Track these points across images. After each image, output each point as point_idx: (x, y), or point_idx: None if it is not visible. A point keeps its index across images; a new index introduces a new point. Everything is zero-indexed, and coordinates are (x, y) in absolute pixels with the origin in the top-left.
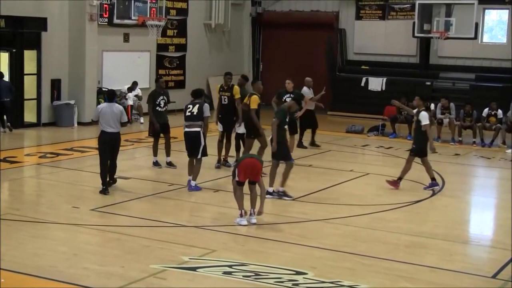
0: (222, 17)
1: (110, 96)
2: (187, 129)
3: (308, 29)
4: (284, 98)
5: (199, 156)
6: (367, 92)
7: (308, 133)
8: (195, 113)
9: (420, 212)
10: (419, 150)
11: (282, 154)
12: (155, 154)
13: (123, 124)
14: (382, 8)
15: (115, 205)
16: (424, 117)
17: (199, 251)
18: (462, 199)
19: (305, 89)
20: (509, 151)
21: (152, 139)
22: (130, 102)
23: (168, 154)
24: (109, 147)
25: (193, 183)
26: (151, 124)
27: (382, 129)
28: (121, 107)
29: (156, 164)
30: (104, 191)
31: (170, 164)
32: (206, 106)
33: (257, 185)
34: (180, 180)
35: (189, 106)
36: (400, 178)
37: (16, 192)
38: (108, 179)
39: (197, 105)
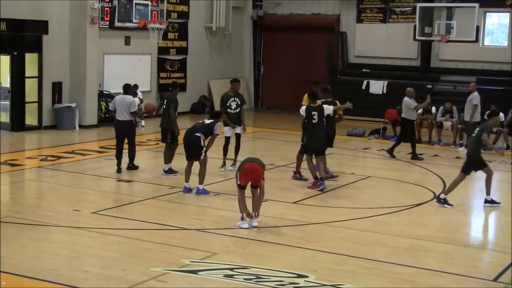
0: (223, 20)
1: (124, 88)
2: (189, 131)
3: (309, 32)
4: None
5: (201, 157)
6: (368, 95)
7: (403, 146)
8: (206, 123)
9: (421, 215)
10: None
11: (480, 163)
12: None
13: (132, 113)
14: (383, 11)
15: (116, 208)
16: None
17: (200, 254)
18: (463, 202)
19: (406, 99)
20: (461, 149)
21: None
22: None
23: (170, 161)
24: (122, 134)
25: (200, 186)
26: (170, 130)
27: (383, 132)
28: (132, 98)
29: (170, 171)
30: (118, 171)
31: (170, 170)
32: (219, 124)
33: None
34: (181, 183)
35: (205, 120)
36: (316, 177)
37: (17, 195)
38: (128, 163)
39: (211, 121)
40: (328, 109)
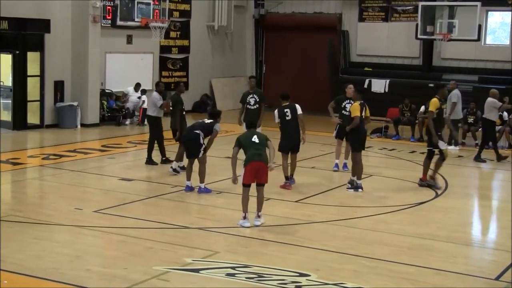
0: (225, 19)
1: (155, 86)
2: (188, 129)
3: (311, 31)
4: (344, 104)
5: (200, 155)
6: (370, 94)
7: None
8: (205, 122)
9: (423, 214)
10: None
11: None
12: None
13: (161, 107)
14: (385, 10)
15: (118, 207)
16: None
17: (202, 253)
18: (465, 201)
19: (491, 100)
20: (448, 147)
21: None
22: (145, 105)
23: (182, 159)
24: (149, 127)
25: (202, 185)
26: (179, 130)
27: (385, 131)
28: (154, 95)
29: (176, 170)
30: (147, 162)
31: (183, 168)
32: (218, 125)
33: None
34: (183, 182)
35: (204, 119)
36: (287, 177)
37: (19, 194)
38: (161, 157)
39: (211, 121)
40: (299, 109)
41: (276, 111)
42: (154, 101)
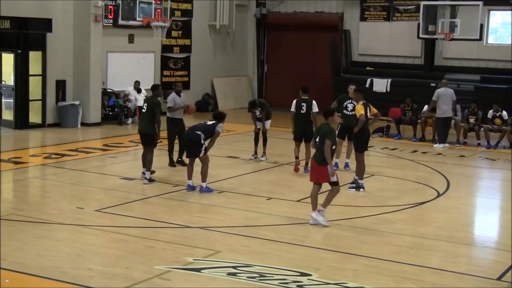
0: (226, 18)
1: (173, 86)
2: (190, 129)
3: (313, 30)
4: (345, 103)
5: (201, 155)
6: (372, 94)
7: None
8: (207, 124)
9: (424, 213)
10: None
11: None
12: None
13: (168, 109)
14: (386, 10)
15: (119, 206)
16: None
17: (203, 252)
18: (467, 200)
19: None
20: (436, 145)
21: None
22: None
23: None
24: (166, 128)
25: (204, 184)
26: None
27: (386, 131)
28: (169, 96)
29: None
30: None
31: (151, 180)
32: (221, 125)
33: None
34: (185, 181)
35: (207, 120)
36: (298, 156)
37: (20, 192)
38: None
39: (214, 122)
40: (316, 106)
41: (294, 102)
42: (174, 102)
